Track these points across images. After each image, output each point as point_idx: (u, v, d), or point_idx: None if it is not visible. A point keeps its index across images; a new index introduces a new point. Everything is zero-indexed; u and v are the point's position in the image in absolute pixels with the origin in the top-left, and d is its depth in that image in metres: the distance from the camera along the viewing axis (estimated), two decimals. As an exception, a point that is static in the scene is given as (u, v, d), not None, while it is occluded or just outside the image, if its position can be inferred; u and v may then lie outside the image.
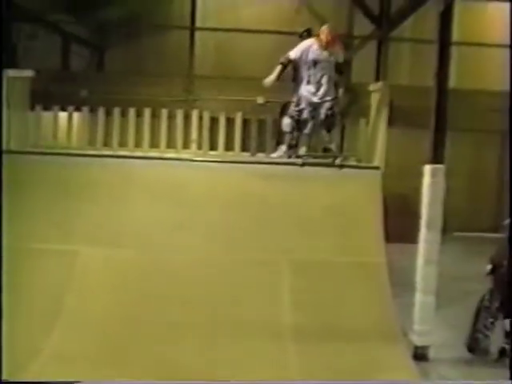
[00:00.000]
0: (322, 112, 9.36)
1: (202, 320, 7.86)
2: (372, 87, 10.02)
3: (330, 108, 9.36)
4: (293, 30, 10.53)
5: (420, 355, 7.90)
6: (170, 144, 10.65)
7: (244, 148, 10.73)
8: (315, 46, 9.30)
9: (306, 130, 9.49)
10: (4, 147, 9.22)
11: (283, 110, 10.32)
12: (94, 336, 7.52)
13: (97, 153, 9.75)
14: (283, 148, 10.16)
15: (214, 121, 10.65)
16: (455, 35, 8.55)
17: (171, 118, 10.72)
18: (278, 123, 10.41)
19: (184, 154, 10.25)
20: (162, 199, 8.85)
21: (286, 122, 10.02)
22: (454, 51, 8.70)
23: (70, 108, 10.79)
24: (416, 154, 9.13)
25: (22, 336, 7.25)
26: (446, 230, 8.30)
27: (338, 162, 9.23)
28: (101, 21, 16.79)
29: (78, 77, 15.02)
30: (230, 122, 10.63)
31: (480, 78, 15.90)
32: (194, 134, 10.79)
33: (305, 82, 9.38)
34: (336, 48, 9.45)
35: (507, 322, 7.81)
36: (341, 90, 9.55)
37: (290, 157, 9.82)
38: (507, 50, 13.33)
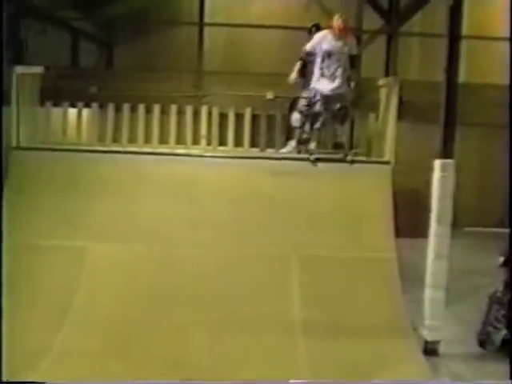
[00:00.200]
0: (336, 105, 9.30)
1: (211, 315, 7.87)
2: (381, 82, 10.00)
3: (344, 101, 9.33)
4: (302, 25, 10.52)
5: (430, 350, 7.88)
6: (180, 140, 10.66)
7: (253, 144, 10.73)
8: (329, 37, 9.21)
9: (317, 125, 9.44)
10: (14, 143, 9.26)
11: (292, 106, 10.32)
12: (103, 332, 7.53)
13: (106, 149, 9.75)
14: (292, 143, 10.17)
15: (223, 116, 10.65)
16: (465, 29, 8.50)
17: (180, 113, 10.72)
18: (287, 118, 10.41)
19: (193, 150, 10.25)
20: (171, 195, 8.87)
21: (296, 118, 10.02)
22: (464, 45, 8.64)
23: (80, 104, 10.82)
24: (426, 148, 9.12)
25: (30, 332, 7.28)
26: (455, 225, 8.27)
27: (349, 157, 9.21)
28: (110, 17, 16.81)
29: (87, 73, 15.02)
30: (239, 117, 10.62)
31: (490, 72, 15.81)
32: (203, 130, 10.79)
33: (318, 74, 9.29)
34: (350, 39, 9.40)
35: None
36: (352, 84, 9.49)
37: (299, 152, 9.81)
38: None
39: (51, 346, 7.24)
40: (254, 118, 10.73)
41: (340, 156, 9.31)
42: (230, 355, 7.36)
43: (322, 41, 9.23)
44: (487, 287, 8.26)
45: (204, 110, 10.84)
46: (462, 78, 8.62)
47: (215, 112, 10.69)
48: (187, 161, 9.32)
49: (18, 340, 6.97)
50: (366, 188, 9.00)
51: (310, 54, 9.35)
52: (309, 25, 10.57)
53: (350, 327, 7.85)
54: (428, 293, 8.06)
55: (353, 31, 10.76)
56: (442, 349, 7.93)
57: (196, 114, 10.79)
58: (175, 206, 8.79)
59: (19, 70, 9.39)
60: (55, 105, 10.54)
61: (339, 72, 9.24)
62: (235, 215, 8.78)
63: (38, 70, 9.79)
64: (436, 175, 8.03)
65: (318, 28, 10.24)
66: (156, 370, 6.99)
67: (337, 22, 9.14)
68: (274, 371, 7.04)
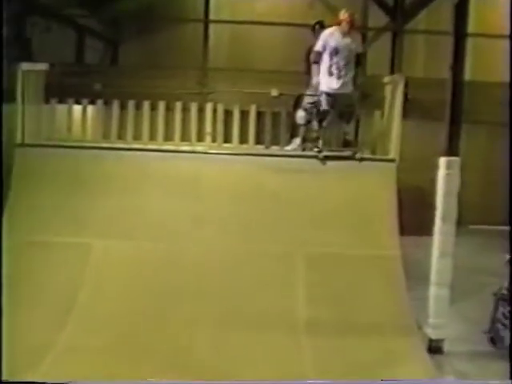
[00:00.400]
0: (342, 103, 9.26)
1: (215, 312, 7.88)
2: (387, 79, 9.97)
3: (350, 99, 9.30)
4: (306, 22, 10.47)
5: (435, 348, 7.88)
6: (185, 137, 10.64)
7: (258, 141, 10.71)
8: (337, 34, 9.14)
9: (325, 123, 9.40)
10: (18, 140, 9.27)
11: (297, 103, 10.30)
12: (107, 328, 7.54)
13: (111, 146, 9.75)
14: (297, 141, 10.15)
15: (228, 113, 10.63)
16: (470, 27, 8.47)
17: (185, 110, 10.70)
18: (292, 116, 10.39)
19: (198, 147, 10.24)
20: (176, 192, 8.87)
21: (300, 115, 10.00)
22: (469, 43, 8.62)
23: (85, 101, 10.80)
24: (431, 146, 9.10)
25: (34, 329, 7.30)
26: (460, 223, 8.26)
27: (358, 155, 9.19)
28: (115, 14, 16.80)
29: (92, 70, 15.04)
30: (244, 114, 10.60)
31: (496, 70, 15.76)
32: (208, 127, 10.77)
33: (326, 72, 9.20)
34: (356, 36, 9.37)
35: None
36: (358, 82, 9.43)
37: (304, 150, 9.81)
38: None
39: (56, 343, 7.25)
40: (259, 115, 10.71)
41: (348, 154, 9.28)
42: (234, 352, 7.36)
43: (330, 38, 9.14)
44: (492, 285, 8.25)
45: (209, 107, 10.82)
46: (467, 75, 8.60)
47: (220, 109, 10.67)
48: (192, 158, 9.32)
49: (23, 337, 6.99)
50: (370, 186, 8.99)
51: (318, 53, 9.25)
52: (313, 22, 10.55)
53: (354, 325, 7.85)
54: (432, 291, 8.06)
55: (358, 28, 10.74)
56: (446, 347, 7.92)
57: (201, 111, 10.78)
58: (180, 203, 8.79)
59: (24, 66, 9.39)
60: (60, 101, 10.53)
61: (347, 70, 9.17)
62: (240, 212, 8.78)
63: (43, 66, 9.79)
64: (441, 173, 8.02)
65: (321, 25, 10.21)
66: (160, 366, 6.99)
67: (343, 15, 9.09)
68: (277, 369, 7.05)
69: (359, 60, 9.36)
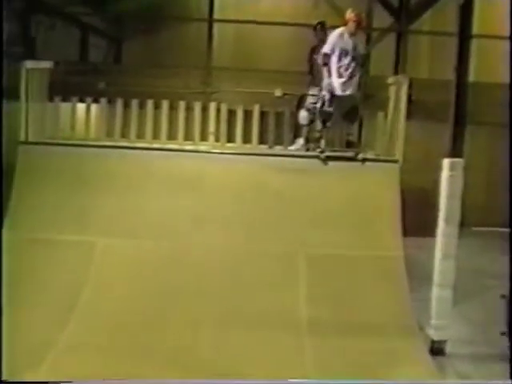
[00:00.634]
0: (347, 105, 9.24)
1: (217, 311, 7.87)
2: (391, 80, 9.95)
3: (355, 101, 9.28)
4: (311, 22, 10.45)
5: (437, 350, 7.86)
6: (188, 136, 10.65)
7: (261, 140, 10.71)
8: (345, 35, 9.09)
9: (329, 124, 9.38)
10: (22, 138, 9.27)
11: (300, 103, 10.30)
12: (109, 326, 7.54)
13: (114, 144, 9.76)
14: (301, 141, 10.16)
15: (231, 113, 10.63)
16: (475, 28, 8.47)
17: (189, 110, 10.71)
18: (295, 116, 10.39)
19: (202, 146, 10.24)
20: (179, 191, 8.87)
21: (303, 115, 10.00)
22: (474, 44, 8.62)
23: (88, 99, 10.81)
24: (434, 147, 9.09)
25: (37, 327, 7.31)
26: (463, 225, 8.25)
27: (360, 156, 9.18)
28: (119, 13, 16.80)
29: (96, 68, 15.03)
30: (247, 114, 10.60)
31: (500, 71, 15.74)
32: (211, 126, 10.77)
33: (335, 74, 9.14)
34: (361, 36, 9.34)
35: None
36: (362, 81, 9.41)
37: (307, 150, 9.81)
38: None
39: (57, 341, 7.25)
40: (263, 114, 10.71)
41: (351, 154, 9.27)
42: (235, 352, 7.36)
43: (339, 40, 9.09)
44: (495, 287, 8.24)
45: (212, 107, 10.82)
46: (471, 77, 8.61)
47: (224, 108, 10.67)
48: (195, 157, 9.32)
49: (25, 334, 7.00)
50: (373, 186, 8.98)
51: (327, 55, 9.18)
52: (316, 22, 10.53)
53: (356, 325, 7.84)
54: (435, 292, 8.04)
55: (363, 29, 10.72)
56: (448, 348, 7.91)
57: (204, 111, 10.78)
58: (183, 202, 8.79)
59: (28, 64, 9.40)
60: (64, 100, 10.54)
61: (355, 71, 9.15)
62: (242, 211, 8.78)
63: (47, 64, 9.80)
64: (444, 174, 8.01)
65: (322, 26, 10.19)
66: (161, 365, 6.99)
67: (350, 15, 9.06)
68: (278, 369, 7.04)
69: (363, 61, 9.35)
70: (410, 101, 9.38)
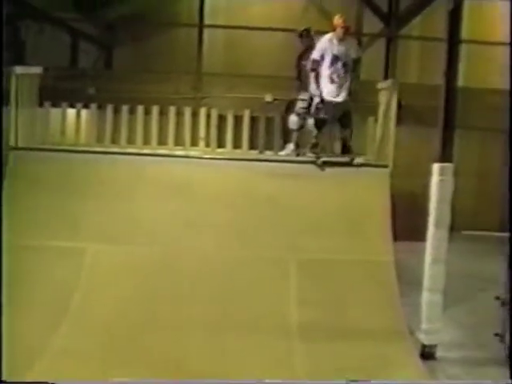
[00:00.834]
0: (340, 109, 9.26)
1: (208, 317, 7.85)
2: (380, 85, 9.98)
3: (347, 106, 9.30)
4: (301, 27, 10.48)
5: (427, 354, 7.86)
6: (178, 142, 10.65)
7: (252, 146, 10.72)
8: (335, 41, 9.10)
9: (324, 130, 9.38)
10: (12, 143, 9.25)
11: (289, 108, 10.31)
12: (100, 333, 7.51)
13: (105, 150, 9.74)
14: (291, 146, 10.18)
15: (222, 118, 10.64)
16: (464, 33, 8.50)
17: (179, 115, 10.71)
18: (285, 121, 10.40)
19: (192, 152, 10.24)
20: (170, 197, 8.86)
21: (293, 120, 10.02)
22: (463, 49, 8.64)
23: (79, 105, 10.80)
24: (424, 152, 9.13)
25: (28, 333, 7.27)
26: (454, 229, 8.27)
27: (356, 161, 9.18)
28: (109, 18, 16.81)
29: (86, 74, 15.04)
30: (238, 119, 10.61)
31: (489, 76, 15.83)
32: (202, 132, 10.78)
33: (327, 80, 9.16)
34: (351, 41, 9.36)
35: None
36: (352, 86, 9.40)
37: (298, 155, 9.82)
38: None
39: (48, 346, 7.21)
40: (253, 120, 10.72)
41: (346, 160, 9.28)
42: (227, 357, 7.34)
43: (329, 46, 9.10)
44: (485, 291, 8.25)
45: (203, 112, 10.83)
46: (460, 81, 8.62)
47: (214, 114, 10.68)
48: (186, 162, 9.32)
49: (18, 339, 6.96)
50: (363, 191, 9.00)
51: (316, 61, 9.20)
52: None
53: (346, 330, 7.84)
54: (425, 296, 8.05)
55: (353, 34, 10.76)
56: (439, 353, 7.92)
57: (195, 116, 10.79)
58: (174, 208, 8.78)
59: (18, 70, 9.37)
60: (54, 105, 10.53)
61: (346, 76, 9.17)
62: (234, 217, 8.77)
63: (37, 70, 9.79)
64: (434, 179, 8.02)
65: (308, 32, 10.18)
66: (153, 370, 6.97)
67: (337, 21, 9.08)
68: (269, 372, 7.02)
69: (354, 65, 9.36)
70: (399, 105, 9.41)
